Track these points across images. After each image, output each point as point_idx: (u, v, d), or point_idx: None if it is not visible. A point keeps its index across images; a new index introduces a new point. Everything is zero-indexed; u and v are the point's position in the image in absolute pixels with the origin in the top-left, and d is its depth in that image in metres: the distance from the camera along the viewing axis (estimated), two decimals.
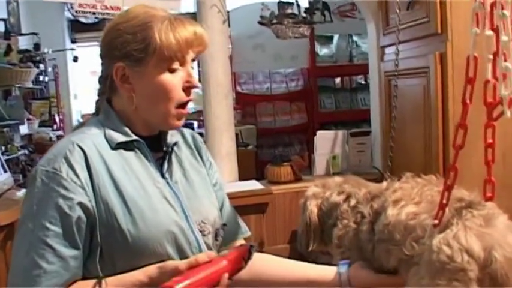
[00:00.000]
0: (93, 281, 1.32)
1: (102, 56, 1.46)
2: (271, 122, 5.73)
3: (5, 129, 5.39)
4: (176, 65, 1.39)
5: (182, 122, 1.47)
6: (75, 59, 6.76)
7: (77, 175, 1.31)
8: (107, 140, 1.40)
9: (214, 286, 1.32)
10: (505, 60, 1.07)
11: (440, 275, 1.19)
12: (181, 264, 1.31)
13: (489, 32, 1.11)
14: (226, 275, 1.34)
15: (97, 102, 1.52)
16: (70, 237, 1.29)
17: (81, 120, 6.76)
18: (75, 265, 1.31)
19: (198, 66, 3.71)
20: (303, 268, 1.63)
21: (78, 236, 1.30)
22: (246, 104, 5.70)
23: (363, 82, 5.86)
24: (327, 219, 1.63)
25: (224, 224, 1.58)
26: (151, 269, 1.33)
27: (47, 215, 1.28)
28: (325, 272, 1.58)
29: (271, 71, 5.81)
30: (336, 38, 5.78)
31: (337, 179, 1.74)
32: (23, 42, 6.06)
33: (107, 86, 1.45)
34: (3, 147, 5.07)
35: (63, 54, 6.91)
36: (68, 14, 7.03)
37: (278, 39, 3.93)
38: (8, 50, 5.38)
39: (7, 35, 5.44)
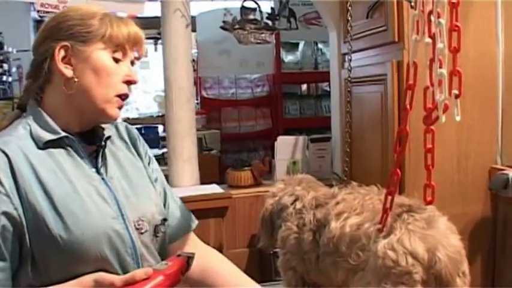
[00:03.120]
0: None
1: (41, 41, 1.42)
2: (235, 127, 5.73)
3: None
4: (119, 56, 1.40)
5: (120, 112, 1.44)
6: None
7: (1, 183, 1.25)
8: (34, 139, 1.35)
9: None
10: (440, 67, 1.10)
11: (386, 279, 1.21)
12: (117, 280, 1.26)
13: (428, 40, 1.14)
14: None
15: (21, 98, 1.47)
16: None
17: None
18: (3, 277, 1.25)
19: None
20: None
21: (4, 246, 1.25)
22: (210, 109, 5.70)
23: (328, 89, 5.88)
24: (276, 219, 1.65)
25: (164, 219, 1.54)
26: (87, 281, 1.28)
27: None
28: None
29: (237, 76, 5.83)
30: (301, 45, 5.81)
31: (299, 177, 1.76)
32: None
33: (44, 71, 1.39)
34: None
35: (28, 55, 6.77)
36: (34, 14, 6.92)
37: (244, 45, 3.94)
38: None
39: None
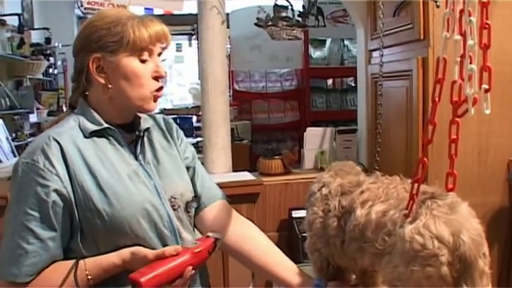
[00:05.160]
0: (71, 261, 1.39)
1: (77, 51, 1.52)
2: (265, 119, 5.74)
3: (15, 117, 5.43)
4: (146, 56, 1.49)
5: (157, 104, 1.55)
6: None
7: (52, 165, 1.39)
8: (81, 130, 1.48)
9: (178, 277, 1.36)
10: (471, 63, 1.10)
11: (414, 261, 1.22)
12: (150, 254, 1.37)
13: (457, 37, 1.15)
14: (190, 268, 1.38)
15: (71, 98, 1.59)
16: (47, 221, 1.38)
17: None
18: (54, 245, 1.39)
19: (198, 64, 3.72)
20: (284, 267, 1.66)
21: (55, 219, 1.39)
22: (242, 101, 5.73)
23: (353, 84, 5.86)
24: (307, 204, 1.67)
25: (195, 196, 1.66)
26: (125, 253, 1.40)
27: (27, 201, 1.37)
28: (300, 280, 1.61)
29: (267, 70, 5.83)
30: (328, 41, 5.78)
31: (333, 164, 1.76)
32: (35, 37, 6.09)
33: (83, 79, 1.51)
34: (13, 134, 5.10)
35: None
36: (77, 12, 7.03)
37: (274, 41, 3.95)
38: (21, 43, 5.42)
39: (21, 29, 5.46)
